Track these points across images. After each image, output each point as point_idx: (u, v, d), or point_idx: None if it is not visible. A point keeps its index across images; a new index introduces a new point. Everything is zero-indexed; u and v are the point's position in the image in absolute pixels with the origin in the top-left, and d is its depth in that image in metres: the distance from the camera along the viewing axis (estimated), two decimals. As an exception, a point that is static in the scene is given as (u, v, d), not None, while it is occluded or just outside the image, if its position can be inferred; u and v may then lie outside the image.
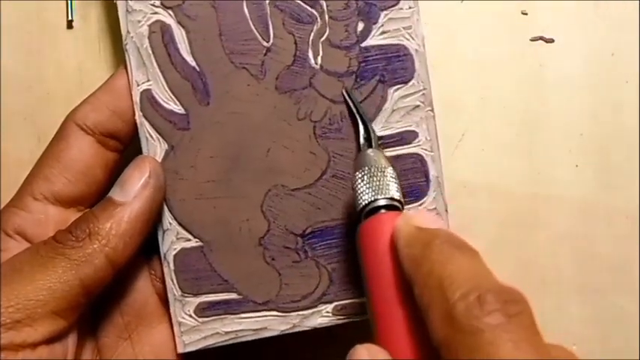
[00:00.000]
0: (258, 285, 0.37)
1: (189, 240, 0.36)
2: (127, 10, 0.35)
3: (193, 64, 0.35)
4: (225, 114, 0.36)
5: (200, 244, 0.36)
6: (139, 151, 0.36)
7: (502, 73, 0.40)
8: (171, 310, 0.36)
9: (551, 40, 0.40)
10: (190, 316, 0.36)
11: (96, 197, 0.35)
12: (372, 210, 0.32)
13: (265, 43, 0.35)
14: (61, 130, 0.35)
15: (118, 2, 0.35)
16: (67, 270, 0.31)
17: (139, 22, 0.35)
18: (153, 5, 0.35)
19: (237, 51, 0.35)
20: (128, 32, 0.35)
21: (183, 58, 0.35)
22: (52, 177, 0.34)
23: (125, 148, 0.36)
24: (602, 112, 0.40)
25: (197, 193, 0.36)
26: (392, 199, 0.32)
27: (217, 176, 0.36)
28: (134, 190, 0.33)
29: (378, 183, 0.33)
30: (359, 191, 0.33)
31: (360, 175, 0.33)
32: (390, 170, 0.33)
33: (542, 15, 0.40)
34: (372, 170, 0.33)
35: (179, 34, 0.35)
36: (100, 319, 0.36)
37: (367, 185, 0.33)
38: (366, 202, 0.32)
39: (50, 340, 0.31)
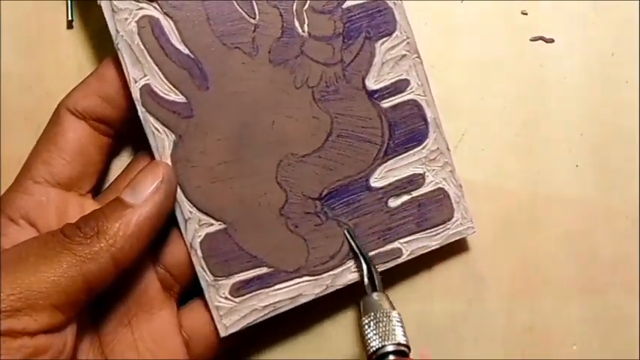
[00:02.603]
0: (287, 254, 0.38)
1: (211, 224, 0.37)
2: (113, 10, 0.35)
3: (187, 52, 0.36)
4: (225, 95, 0.36)
5: (223, 226, 0.37)
6: (145, 143, 0.36)
7: (502, 73, 0.41)
8: (207, 297, 0.37)
9: (551, 40, 0.40)
10: (226, 298, 0.37)
11: (93, 179, 0.36)
12: (381, 356, 0.34)
13: (252, 21, 0.36)
14: (54, 116, 0.35)
15: (102, 3, 0.35)
16: (72, 265, 0.31)
17: (126, 19, 0.35)
18: (137, 1, 0.35)
19: (227, 32, 0.36)
20: (117, 31, 0.35)
21: (176, 48, 0.36)
22: (50, 160, 0.35)
23: (117, 133, 0.37)
24: (602, 112, 0.41)
25: (212, 177, 0.37)
26: (399, 344, 0.34)
27: (228, 157, 0.37)
28: (145, 194, 0.34)
29: (384, 329, 0.34)
30: (367, 337, 0.35)
31: (367, 322, 0.35)
32: (395, 314, 0.35)
33: (542, 15, 0.40)
34: (378, 316, 0.35)
35: (168, 25, 0.36)
36: (100, 305, 0.36)
37: (374, 332, 0.34)
38: (375, 348, 0.34)
39: (48, 331, 0.31)
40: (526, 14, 0.40)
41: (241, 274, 0.37)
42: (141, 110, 0.36)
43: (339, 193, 0.38)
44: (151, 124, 0.36)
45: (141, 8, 0.35)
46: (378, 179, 0.38)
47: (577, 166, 0.41)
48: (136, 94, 0.35)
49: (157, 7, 0.35)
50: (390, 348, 0.34)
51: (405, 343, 0.34)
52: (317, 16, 0.37)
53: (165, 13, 0.36)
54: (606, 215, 0.41)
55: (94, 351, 0.35)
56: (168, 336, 0.37)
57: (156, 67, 0.36)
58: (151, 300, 0.37)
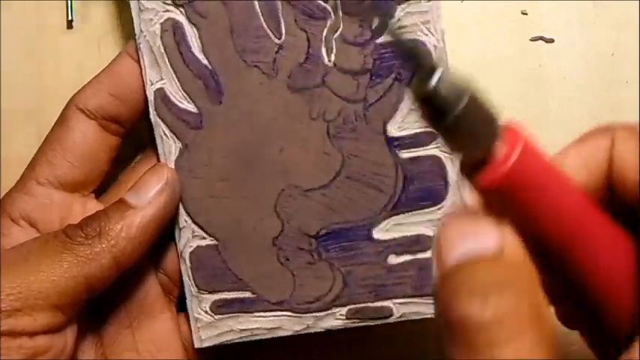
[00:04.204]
0: (272, 285, 0.36)
1: (204, 238, 0.36)
2: (140, 9, 0.34)
3: (205, 62, 0.35)
4: (237, 113, 0.35)
5: (215, 242, 0.36)
6: (152, 145, 0.36)
7: (502, 73, 0.39)
8: (189, 307, 0.37)
9: (551, 40, 0.39)
10: (206, 312, 0.37)
11: (98, 181, 0.36)
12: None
13: (277, 40, 0.34)
14: (64, 115, 0.35)
15: (131, 1, 0.35)
16: (73, 266, 0.32)
17: (151, 20, 0.35)
18: (164, 3, 0.34)
19: (249, 49, 0.34)
20: (141, 31, 0.35)
21: (196, 57, 0.35)
22: (56, 161, 0.35)
23: (127, 132, 0.36)
24: (602, 112, 0.39)
25: (211, 192, 0.36)
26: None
27: (231, 175, 0.36)
28: (149, 196, 0.33)
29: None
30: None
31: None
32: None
33: (542, 15, 0.39)
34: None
35: (191, 32, 0.35)
36: (102, 307, 0.36)
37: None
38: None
39: (48, 331, 0.32)
40: (526, 14, 0.39)
41: (224, 293, 0.37)
42: (152, 114, 0.35)
43: (338, 235, 0.36)
44: (160, 129, 0.35)
45: (167, 10, 0.35)
46: (382, 231, 0.35)
47: (577, 166, 0.39)
48: (150, 97, 0.35)
49: (183, 12, 0.34)
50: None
51: None
52: (346, 47, 0.34)
53: (190, 20, 0.34)
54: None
55: (95, 352, 0.36)
56: (168, 339, 0.37)
57: (173, 73, 0.35)
58: (152, 304, 0.37)
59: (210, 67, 0.35)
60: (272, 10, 0.34)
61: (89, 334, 0.36)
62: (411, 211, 0.35)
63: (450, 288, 0.23)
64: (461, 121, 0.22)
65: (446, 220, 0.24)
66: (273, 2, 0.34)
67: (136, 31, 0.35)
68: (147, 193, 0.34)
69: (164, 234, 0.36)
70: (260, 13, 0.34)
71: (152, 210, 0.33)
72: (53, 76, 0.39)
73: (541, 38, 0.39)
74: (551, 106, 0.39)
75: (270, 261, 0.36)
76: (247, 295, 0.36)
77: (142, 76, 0.35)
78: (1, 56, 0.40)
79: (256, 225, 0.36)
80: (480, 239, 0.23)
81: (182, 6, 0.34)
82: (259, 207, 0.36)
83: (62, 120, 0.35)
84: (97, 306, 0.36)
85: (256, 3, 0.34)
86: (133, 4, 0.35)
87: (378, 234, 0.35)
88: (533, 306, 0.22)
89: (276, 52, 0.34)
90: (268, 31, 0.34)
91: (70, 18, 0.39)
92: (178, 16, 0.35)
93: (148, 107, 0.35)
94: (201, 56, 0.35)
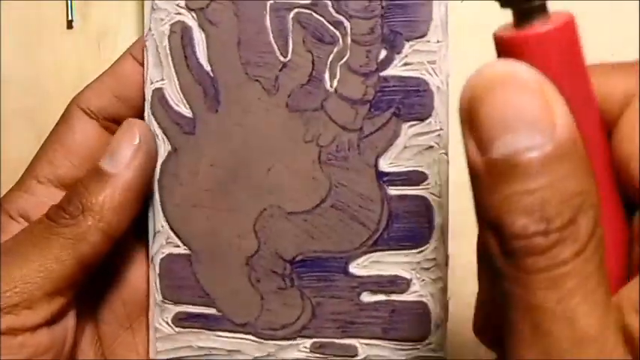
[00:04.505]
0: (239, 305, 0.35)
1: (178, 246, 0.35)
2: (152, 8, 0.34)
3: (208, 69, 0.35)
4: (231, 124, 0.35)
5: (188, 252, 0.35)
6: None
7: None
8: (150, 315, 0.36)
9: None
10: (167, 323, 0.36)
11: None
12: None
13: (282, 58, 0.34)
14: (66, 114, 0.35)
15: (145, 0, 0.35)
16: (64, 249, 0.31)
17: (162, 20, 0.34)
18: (178, 6, 0.34)
19: (253, 62, 0.34)
20: (150, 30, 0.35)
21: (199, 62, 0.35)
22: (56, 160, 0.34)
23: None
24: None
25: (193, 200, 0.35)
26: None
27: (215, 186, 0.35)
28: (125, 159, 0.32)
29: None
30: None
31: None
32: None
33: None
34: None
35: (199, 38, 0.34)
36: (102, 307, 0.35)
37: None
38: None
39: (50, 322, 0.31)
40: None
41: (189, 306, 0.35)
42: (147, 112, 0.35)
43: (314, 264, 0.35)
44: (153, 128, 0.35)
45: (178, 13, 0.34)
46: (360, 267, 0.34)
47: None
48: (147, 96, 0.35)
49: (194, 17, 0.34)
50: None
51: None
52: (350, 75, 0.34)
53: (200, 26, 0.34)
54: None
55: (94, 351, 0.35)
56: None
57: (174, 74, 0.35)
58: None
59: (212, 74, 0.34)
60: (282, 27, 0.34)
61: (88, 334, 0.35)
62: (391, 250, 0.34)
63: (499, 193, 0.21)
64: None
65: (492, 76, 0.21)
66: (284, 20, 0.34)
67: (145, 28, 0.35)
68: (122, 157, 0.32)
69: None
70: (270, 29, 0.34)
71: (131, 174, 0.32)
72: (53, 76, 0.39)
73: (541, 39, 0.39)
74: (551, 106, 0.39)
75: (241, 280, 0.35)
76: (212, 311, 0.35)
77: (141, 75, 0.35)
78: (1, 56, 0.40)
79: (232, 241, 0.35)
80: (540, 127, 0.20)
81: (195, 11, 0.34)
82: (238, 223, 0.35)
83: (64, 119, 0.35)
84: (97, 306, 0.35)
85: (268, 19, 0.34)
86: (147, 2, 0.35)
87: (354, 269, 0.34)
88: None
89: (280, 70, 0.34)
90: (275, 47, 0.34)
91: (70, 18, 0.39)
92: (189, 20, 0.34)
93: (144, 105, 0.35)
94: (205, 62, 0.34)
